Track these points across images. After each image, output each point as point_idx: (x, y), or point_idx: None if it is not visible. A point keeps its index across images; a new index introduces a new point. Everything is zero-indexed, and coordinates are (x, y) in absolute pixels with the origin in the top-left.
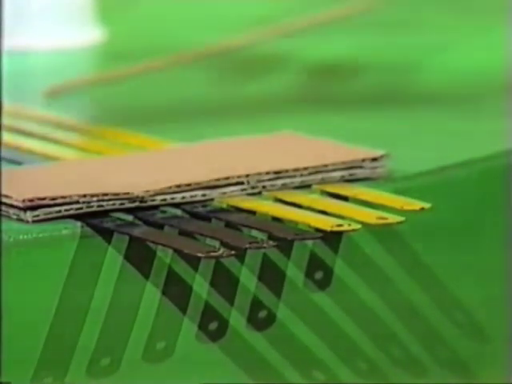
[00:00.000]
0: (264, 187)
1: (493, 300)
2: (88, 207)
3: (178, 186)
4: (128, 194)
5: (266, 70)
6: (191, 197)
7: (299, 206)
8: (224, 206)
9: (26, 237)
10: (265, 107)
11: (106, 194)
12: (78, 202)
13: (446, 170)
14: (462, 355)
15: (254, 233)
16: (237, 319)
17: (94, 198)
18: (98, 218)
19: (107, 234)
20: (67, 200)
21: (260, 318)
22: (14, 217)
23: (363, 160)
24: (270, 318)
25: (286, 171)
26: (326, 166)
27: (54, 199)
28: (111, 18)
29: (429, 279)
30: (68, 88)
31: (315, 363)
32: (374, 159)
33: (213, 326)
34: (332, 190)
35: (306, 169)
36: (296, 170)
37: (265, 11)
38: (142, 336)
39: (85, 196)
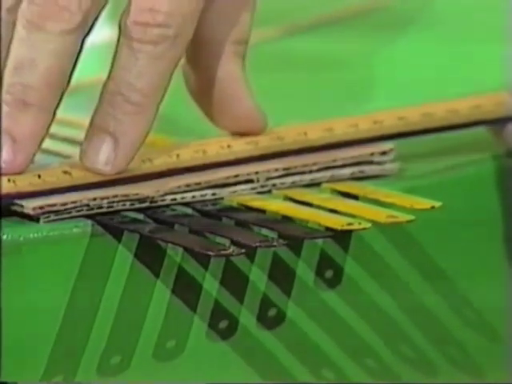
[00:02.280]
0: (274, 185)
1: (503, 299)
2: (98, 208)
3: (188, 185)
4: (138, 194)
5: None
6: (201, 196)
7: (309, 205)
8: (234, 204)
9: (36, 235)
10: None
11: (115, 196)
12: (88, 205)
13: (456, 168)
14: (473, 354)
15: (264, 231)
16: (247, 318)
17: (105, 200)
18: (108, 216)
19: (117, 233)
20: (78, 204)
21: (270, 317)
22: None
23: (372, 154)
24: (280, 317)
25: (295, 167)
26: (335, 160)
27: (64, 204)
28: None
29: (439, 277)
30: (77, 86)
31: (325, 362)
32: (384, 153)
33: (223, 324)
34: (342, 188)
35: (315, 164)
36: (305, 165)
37: None
38: (152, 334)
39: (95, 199)
